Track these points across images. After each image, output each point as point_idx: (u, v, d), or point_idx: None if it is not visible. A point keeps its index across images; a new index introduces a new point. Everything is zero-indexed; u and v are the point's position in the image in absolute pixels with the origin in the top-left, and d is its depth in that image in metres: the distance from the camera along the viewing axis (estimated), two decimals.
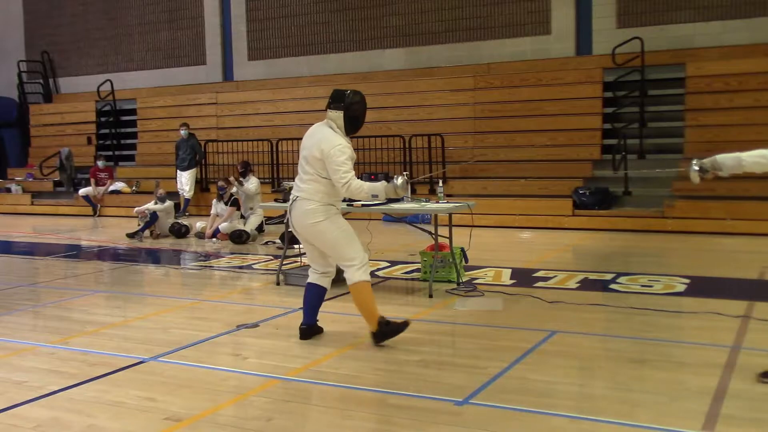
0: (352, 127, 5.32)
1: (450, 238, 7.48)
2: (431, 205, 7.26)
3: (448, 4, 15.38)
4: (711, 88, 12.72)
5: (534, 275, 7.88)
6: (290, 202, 5.44)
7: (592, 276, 7.81)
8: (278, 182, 14.59)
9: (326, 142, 5.18)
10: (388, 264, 8.74)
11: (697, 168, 4.53)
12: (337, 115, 5.26)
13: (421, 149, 13.83)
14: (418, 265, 7.89)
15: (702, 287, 7.16)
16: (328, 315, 6.38)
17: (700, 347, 5.16)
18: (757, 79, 12.33)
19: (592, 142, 13.20)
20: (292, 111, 16.16)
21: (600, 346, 5.41)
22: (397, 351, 5.19)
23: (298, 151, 17.12)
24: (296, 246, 9.40)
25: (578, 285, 7.38)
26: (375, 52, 16.11)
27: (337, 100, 5.28)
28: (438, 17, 15.49)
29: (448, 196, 10.34)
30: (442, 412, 4.05)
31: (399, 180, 5.26)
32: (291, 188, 5.65)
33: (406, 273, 8.18)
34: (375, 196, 5.29)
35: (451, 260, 7.42)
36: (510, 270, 8.15)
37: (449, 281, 7.42)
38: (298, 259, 8.34)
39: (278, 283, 7.70)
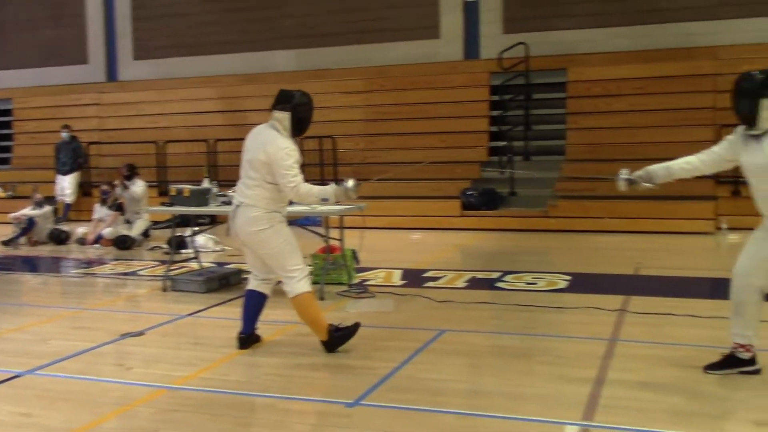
0: (299, 128, 5.14)
1: (341, 240, 7.49)
2: (322, 207, 7.24)
3: (339, 6, 15.40)
4: (590, 92, 13.31)
5: (424, 275, 8.00)
6: (233, 208, 5.21)
7: (480, 275, 8.00)
8: (165, 185, 14.19)
9: (271, 145, 4.99)
10: None
11: (624, 177, 4.73)
12: (284, 116, 5.07)
13: (313, 151, 13.79)
14: (310, 268, 7.84)
15: (582, 283, 7.47)
16: (217, 321, 6.28)
17: (581, 341, 5.39)
18: (633, 84, 12.99)
19: (480, 143, 13.54)
20: (180, 113, 15.77)
21: (488, 343, 5.54)
22: (288, 355, 5.15)
23: (186, 154, 16.64)
24: (183, 251, 9.20)
25: (466, 284, 7.54)
26: (266, 54, 15.92)
27: (283, 100, 5.10)
28: (330, 20, 15.48)
29: None
30: (332, 414, 4.05)
31: (350, 182, 5.09)
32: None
33: None
34: (325, 200, 5.13)
35: (342, 262, 7.44)
36: (401, 271, 8.24)
37: (341, 283, 7.42)
38: (186, 264, 8.14)
39: (165, 290, 7.48)
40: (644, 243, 10.21)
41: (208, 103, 15.61)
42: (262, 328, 5.42)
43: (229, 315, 6.26)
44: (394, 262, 8.81)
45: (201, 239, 9.74)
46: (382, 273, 8.13)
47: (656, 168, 4.69)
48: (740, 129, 4.37)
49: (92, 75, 17.33)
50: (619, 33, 13.65)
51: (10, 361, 5.16)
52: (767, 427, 3.69)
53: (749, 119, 4.24)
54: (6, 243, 11.17)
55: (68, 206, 14.29)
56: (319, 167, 13.61)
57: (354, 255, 7.74)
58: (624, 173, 4.75)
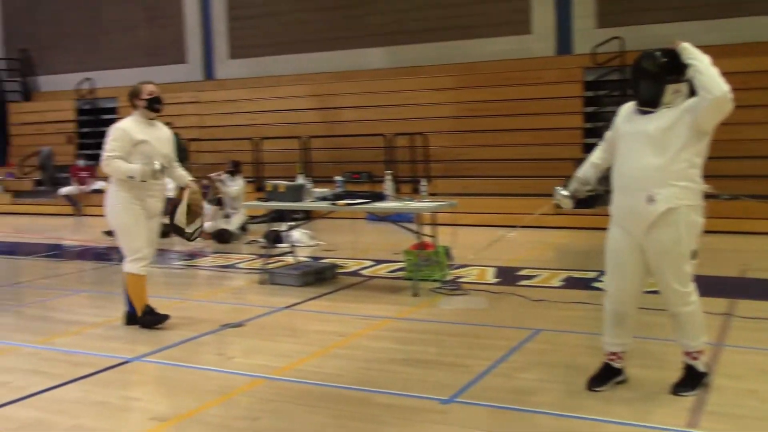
0: None
1: (434, 236, 7.51)
2: (414, 204, 7.28)
3: (430, 3, 15.41)
4: None
5: (518, 274, 7.92)
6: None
7: (576, 274, 7.86)
8: (261, 181, 14.53)
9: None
10: (373, 263, 8.75)
11: (565, 193, 4.56)
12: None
13: (404, 148, 13.89)
14: (403, 264, 7.91)
15: None
16: (312, 314, 6.40)
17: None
18: (737, 79, 12.39)
19: (574, 140, 13.29)
20: (274, 110, 16.12)
21: (584, 343, 5.41)
22: (381, 350, 5.20)
23: (280, 150, 16.91)
24: (280, 245, 9.41)
25: (562, 283, 7.43)
26: (358, 51, 16.07)
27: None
28: (420, 16, 15.50)
29: (432, 194, 10.36)
30: (427, 410, 4.07)
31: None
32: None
33: (390, 272, 8.19)
34: None
35: (435, 259, 7.44)
36: (494, 269, 8.19)
37: (434, 280, 7.43)
38: (283, 258, 8.33)
39: (263, 283, 7.68)
40: None
41: (301, 100, 15.88)
42: (353, 323, 5.48)
43: (324, 309, 6.37)
44: (486, 260, 8.75)
45: (296, 234, 9.94)
46: (475, 270, 8.09)
47: (584, 172, 4.52)
48: (631, 105, 4.19)
49: (191, 74, 17.92)
50: (713, 26, 12.96)
51: (120, 348, 5.42)
52: None
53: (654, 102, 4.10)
54: (109, 233, 11.62)
55: (170, 201, 14.81)
56: (410, 164, 13.70)
57: (447, 252, 7.73)
58: (561, 190, 4.54)
